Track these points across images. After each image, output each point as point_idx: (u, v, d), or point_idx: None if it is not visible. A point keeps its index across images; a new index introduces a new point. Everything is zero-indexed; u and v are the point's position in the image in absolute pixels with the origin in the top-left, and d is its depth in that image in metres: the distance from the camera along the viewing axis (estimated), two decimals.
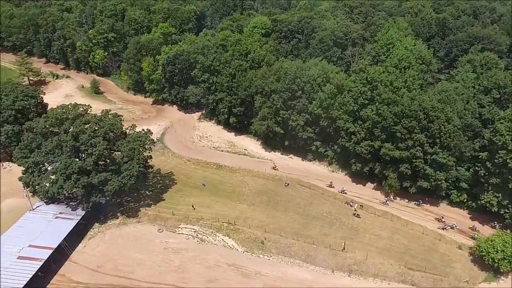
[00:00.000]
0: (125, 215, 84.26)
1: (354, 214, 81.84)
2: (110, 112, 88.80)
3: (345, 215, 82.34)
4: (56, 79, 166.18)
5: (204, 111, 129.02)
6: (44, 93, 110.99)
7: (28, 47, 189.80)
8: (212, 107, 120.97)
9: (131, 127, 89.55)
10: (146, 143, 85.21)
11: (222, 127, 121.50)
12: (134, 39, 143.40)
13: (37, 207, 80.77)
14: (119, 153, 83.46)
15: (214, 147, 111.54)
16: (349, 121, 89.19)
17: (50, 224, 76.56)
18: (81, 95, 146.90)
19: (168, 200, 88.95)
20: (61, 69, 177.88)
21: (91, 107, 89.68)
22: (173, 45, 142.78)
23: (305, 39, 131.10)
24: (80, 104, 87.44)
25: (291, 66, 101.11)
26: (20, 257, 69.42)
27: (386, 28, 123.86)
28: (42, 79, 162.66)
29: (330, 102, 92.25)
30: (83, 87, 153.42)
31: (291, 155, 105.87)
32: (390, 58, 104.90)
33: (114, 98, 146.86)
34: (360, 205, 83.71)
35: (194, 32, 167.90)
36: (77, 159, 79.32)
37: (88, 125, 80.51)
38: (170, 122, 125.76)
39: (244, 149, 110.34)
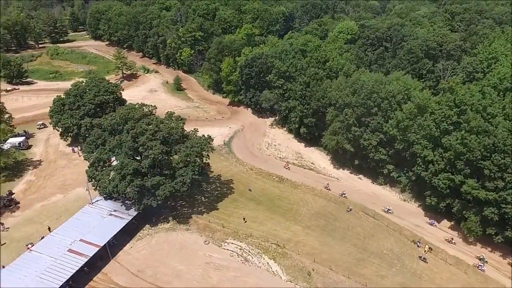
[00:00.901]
0: (176, 220, 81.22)
1: (420, 257, 69.59)
2: (183, 109, 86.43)
3: (409, 256, 70.51)
4: (146, 73, 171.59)
5: (277, 117, 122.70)
6: (123, 89, 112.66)
7: (129, 42, 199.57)
8: (284, 115, 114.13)
9: (193, 131, 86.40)
10: (205, 150, 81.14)
11: (292, 136, 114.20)
12: (217, 39, 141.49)
13: (96, 201, 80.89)
14: (177, 156, 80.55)
15: (280, 157, 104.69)
16: (428, 147, 76.55)
17: (104, 220, 76.00)
18: (164, 91, 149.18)
19: (221, 210, 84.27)
20: (153, 63, 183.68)
21: (156, 107, 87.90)
22: (254, 47, 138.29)
23: (393, 48, 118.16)
24: (146, 105, 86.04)
25: (369, 79, 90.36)
26: (70, 250, 69.43)
27: (490, 39, 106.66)
28: (134, 72, 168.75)
29: (408, 123, 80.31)
30: (167, 82, 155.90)
31: (360, 176, 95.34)
32: (490, 76, 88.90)
33: (194, 95, 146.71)
34: (429, 248, 71.05)
35: (281, 34, 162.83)
36: (136, 160, 77.78)
37: (149, 127, 78.46)
38: (242, 126, 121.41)
39: (311, 163, 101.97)
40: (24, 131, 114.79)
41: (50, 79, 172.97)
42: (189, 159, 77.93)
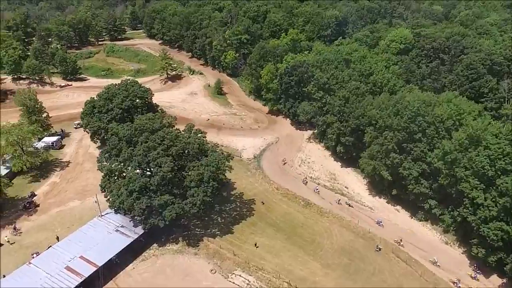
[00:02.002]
0: (186, 241, 73.78)
1: None
2: (219, 116, 79.52)
3: None
4: (191, 74, 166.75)
5: (315, 131, 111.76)
6: (153, 95, 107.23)
7: (180, 42, 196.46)
8: (322, 130, 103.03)
9: (214, 146, 78.63)
10: (221, 170, 72.79)
11: (329, 153, 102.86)
12: (259, 44, 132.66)
13: (106, 214, 75.66)
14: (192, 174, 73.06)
15: (311, 177, 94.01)
16: (479, 188, 62.79)
17: (108, 237, 70.41)
18: (204, 94, 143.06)
19: (236, 235, 75.71)
20: (200, 64, 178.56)
21: (176, 119, 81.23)
22: (298, 54, 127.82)
23: (450, 61, 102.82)
24: (166, 115, 79.57)
25: (415, 98, 77.15)
26: (67, 268, 64.49)
27: None
28: (178, 73, 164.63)
29: (456, 156, 66.68)
30: (209, 86, 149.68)
31: (398, 207, 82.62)
32: None
33: (234, 101, 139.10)
34: None
35: (332, 39, 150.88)
36: (147, 175, 71.27)
37: (164, 141, 71.41)
38: (276, 138, 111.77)
39: (345, 187, 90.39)
40: (61, 130, 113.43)
41: (102, 76, 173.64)
42: (202, 179, 70.06)
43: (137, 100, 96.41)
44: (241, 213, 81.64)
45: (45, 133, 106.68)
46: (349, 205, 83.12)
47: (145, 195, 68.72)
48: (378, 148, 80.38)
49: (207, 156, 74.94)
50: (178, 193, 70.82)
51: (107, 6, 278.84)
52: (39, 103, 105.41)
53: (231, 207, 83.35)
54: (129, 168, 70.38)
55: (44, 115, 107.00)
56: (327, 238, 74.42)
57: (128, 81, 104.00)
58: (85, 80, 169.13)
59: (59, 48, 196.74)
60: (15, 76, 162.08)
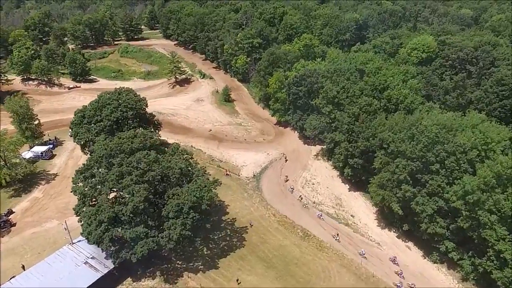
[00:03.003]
0: (164, 276, 64.36)
1: None
2: (223, 126, 69.33)
3: None
4: (202, 78, 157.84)
5: (324, 147, 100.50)
6: (147, 105, 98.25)
7: (195, 43, 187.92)
8: (330, 147, 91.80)
9: (201, 168, 68.99)
10: (205, 198, 62.89)
11: (337, 173, 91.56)
12: (269, 50, 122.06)
13: (78, 241, 67.07)
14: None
15: (314, 202, 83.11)
16: (507, 239, 50.73)
17: (75, 270, 61.67)
18: (211, 101, 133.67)
19: (221, 270, 65.78)
20: (213, 67, 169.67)
21: (160, 137, 71.80)
22: (311, 61, 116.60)
23: (478, 74, 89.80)
24: (150, 133, 70.30)
25: (434, 121, 65.14)
26: None
27: None
28: (188, 77, 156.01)
29: (480, 197, 54.60)
30: (217, 92, 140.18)
31: (409, 243, 70.87)
32: None
33: (241, 109, 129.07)
34: None
35: (351, 43, 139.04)
36: (121, 202, 62.24)
37: (141, 165, 62.19)
38: (281, 153, 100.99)
39: (351, 215, 79.10)
40: (55, 138, 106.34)
41: (112, 78, 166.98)
42: (181, 209, 60.44)
43: (129, 112, 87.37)
44: (230, 243, 71.68)
45: (36, 142, 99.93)
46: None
47: (116, 225, 59.75)
48: (388, 176, 68.74)
49: (191, 181, 65.20)
50: (154, 224, 61.41)
51: (128, 5, 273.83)
52: (30, 110, 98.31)
53: (220, 235, 73.48)
54: (101, 194, 61.41)
55: (36, 122, 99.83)
56: (324, 280, 63.59)
57: (123, 89, 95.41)
58: (95, 81, 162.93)
59: (72, 48, 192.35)
60: (24, 77, 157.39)
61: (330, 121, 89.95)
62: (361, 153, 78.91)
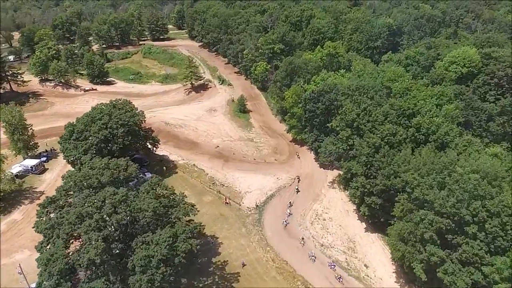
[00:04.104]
0: None
1: None
2: (233, 141, 63.26)
3: None
4: (221, 83, 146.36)
5: (341, 173, 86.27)
6: (145, 120, 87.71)
7: (218, 46, 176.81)
8: (346, 177, 77.66)
9: (187, 207, 57.02)
10: (179, 250, 50.79)
11: (354, 207, 77.26)
12: (287, 59, 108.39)
13: None
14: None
15: (323, 245, 69.32)
16: None
17: None
18: (224, 112, 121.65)
19: None
20: (235, 72, 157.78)
21: (135, 168, 59.99)
22: (334, 73, 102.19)
23: None
24: (123, 162, 58.85)
25: (472, 168, 49.91)
26: None
27: None
28: (205, 83, 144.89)
29: None
30: (233, 101, 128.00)
31: None
32: None
33: (256, 121, 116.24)
34: None
35: (381, 51, 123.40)
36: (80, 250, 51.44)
37: (105, 207, 50.91)
38: (293, 179, 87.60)
39: (365, 265, 64.88)
40: (51, 149, 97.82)
41: (129, 80, 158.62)
42: (150, 262, 48.82)
43: (120, 129, 76.71)
44: None
45: (29, 154, 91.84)
46: None
47: (70, 279, 49.00)
48: (411, 228, 54.21)
49: (170, 224, 53.36)
50: (116, 279, 50.13)
51: (158, 4, 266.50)
52: (23, 121, 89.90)
53: (206, 282, 61.31)
54: (58, 238, 50.80)
55: (29, 133, 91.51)
56: None
57: (118, 101, 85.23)
58: (113, 83, 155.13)
59: (96, 48, 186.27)
60: (42, 78, 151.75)
61: (348, 147, 75.61)
62: (380, 192, 64.50)
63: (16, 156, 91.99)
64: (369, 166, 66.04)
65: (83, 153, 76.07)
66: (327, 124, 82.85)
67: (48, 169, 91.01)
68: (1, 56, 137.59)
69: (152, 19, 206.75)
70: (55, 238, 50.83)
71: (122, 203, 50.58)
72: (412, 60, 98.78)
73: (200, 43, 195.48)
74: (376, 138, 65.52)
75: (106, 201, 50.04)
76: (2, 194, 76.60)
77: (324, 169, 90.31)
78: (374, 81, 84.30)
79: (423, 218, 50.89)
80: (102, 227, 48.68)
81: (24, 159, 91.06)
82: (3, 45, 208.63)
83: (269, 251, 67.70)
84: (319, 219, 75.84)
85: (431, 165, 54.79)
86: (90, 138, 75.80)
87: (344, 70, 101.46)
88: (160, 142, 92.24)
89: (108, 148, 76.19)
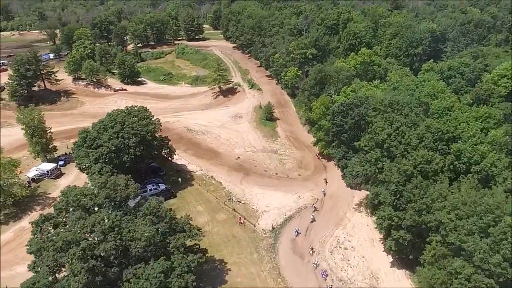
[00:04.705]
0: None
1: None
2: (255, 152, 61.25)
3: None
4: (250, 88, 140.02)
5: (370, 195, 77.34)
6: (161, 129, 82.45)
7: (251, 48, 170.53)
8: (374, 203, 68.85)
9: (180, 238, 50.91)
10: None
11: (380, 236, 68.52)
12: (317, 66, 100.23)
13: None
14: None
15: (341, 279, 61.31)
16: None
17: None
18: (250, 119, 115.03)
19: None
20: (266, 76, 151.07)
21: (136, 187, 54.40)
22: (368, 83, 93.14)
23: None
24: (122, 181, 53.59)
25: None
26: None
27: None
28: (234, 87, 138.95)
29: None
30: (260, 107, 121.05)
31: None
32: None
33: (283, 131, 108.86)
34: None
35: (422, 59, 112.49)
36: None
37: (93, 233, 45.86)
38: (316, 198, 79.82)
39: None
40: (70, 152, 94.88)
41: (160, 81, 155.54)
42: None
43: (131, 139, 71.87)
44: None
45: (46, 158, 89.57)
46: None
47: None
48: (443, 278, 45.37)
49: (165, 256, 47.51)
50: None
51: (195, 3, 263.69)
52: (42, 123, 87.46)
53: None
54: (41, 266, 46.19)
55: (48, 136, 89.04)
56: None
57: (134, 108, 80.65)
58: (143, 84, 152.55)
59: (131, 47, 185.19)
60: (76, 76, 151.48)
61: (377, 170, 66.82)
62: (410, 227, 55.63)
63: (35, 158, 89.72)
64: (398, 196, 57.25)
65: (94, 162, 71.90)
66: (355, 143, 74.07)
67: (64, 173, 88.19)
68: (37, 55, 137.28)
69: (187, 19, 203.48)
70: (41, 263, 46.18)
71: (113, 230, 45.11)
72: (455, 72, 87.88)
73: (234, 44, 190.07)
74: (408, 165, 56.56)
75: (95, 228, 44.75)
76: (13, 199, 73.76)
77: (351, 189, 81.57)
78: (410, 95, 74.78)
79: (459, 272, 41.97)
80: (88, 256, 43.42)
81: (42, 162, 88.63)
82: (48, 42, 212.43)
83: (280, 283, 60.52)
84: (340, 247, 67.74)
85: (472, 205, 45.51)
86: (101, 147, 71.34)
87: (379, 81, 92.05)
88: (175, 152, 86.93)
89: (118, 160, 71.36)
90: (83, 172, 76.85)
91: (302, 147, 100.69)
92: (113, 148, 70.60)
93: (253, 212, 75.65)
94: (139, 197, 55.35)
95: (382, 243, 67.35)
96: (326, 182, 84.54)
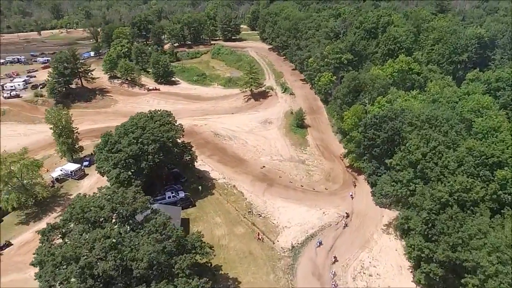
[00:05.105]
0: None
1: None
2: (282, 161, 65.77)
3: None
4: (283, 92, 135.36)
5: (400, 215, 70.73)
6: (183, 134, 79.36)
7: (287, 50, 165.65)
8: (404, 228, 62.44)
9: (185, 259, 47.30)
10: None
11: (410, 265, 62.02)
12: (350, 73, 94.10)
13: None
14: None
15: None
16: None
17: None
18: (279, 125, 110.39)
19: None
20: (300, 80, 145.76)
21: (144, 200, 51.19)
22: (406, 92, 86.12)
23: None
24: (130, 194, 50.68)
25: None
26: None
27: None
28: (266, 90, 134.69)
29: None
30: (291, 113, 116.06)
31: None
32: None
33: (313, 139, 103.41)
34: None
35: (467, 67, 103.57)
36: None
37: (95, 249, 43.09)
38: (343, 215, 73.97)
39: None
40: (92, 153, 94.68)
41: (193, 82, 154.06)
42: None
43: (150, 145, 69.40)
44: None
45: (72, 158, 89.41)
46: None
47: None
48: None
49: (171, 277, 44.18)
50: None
51: (235, 4, 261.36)
52: (70, 124, 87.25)
53: None
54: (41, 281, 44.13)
55: (75, 136, 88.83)
56: None
57: (157, 112, 78.35)
58: (176, 84, 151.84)
59: (169, 47, 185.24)
60: (112, 75, 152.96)
61: (408, 192, 60.46)
62: (441, 263, 49.24)
63: (61, 158, 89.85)
64: (430, 225, 50.94)
65: (112, 166, 70.15)
66: (386, 160, 67.79)
67: (88, 174, 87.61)
68: (76, 53, 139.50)
69: (224, 19, 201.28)
70: (41, 278, 44.17)
71: (114, 248, 42.28)
72: (504, 83, 79.23)
73: (270, 46, 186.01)
74: (444, 191, 50.06)
75: (96, 245, 42.09)
76: (34, 200, 73.61)
77: (380, 207, 75.32)
78: (451, 110, 67.39)
79: None
80: (87, 275, 40.77)
81: (68, 162, 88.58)
82: (91, 40, 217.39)
83: None
84: (364, 273, 61.99)
85: None
86: (120, 152, 69.40)
87: (418, 91, 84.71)
88: (200, 158, 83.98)
89: (137, 166, 69.14)
90: (103, 176, 75.40)
91: (332, 157, 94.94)
92: (132, 154, 68.27)
93: (273, 228, 71.20)
94: (149, 210, 52.28)
95: (411, 272, 60.94)
96: (352, 197, 78.63)
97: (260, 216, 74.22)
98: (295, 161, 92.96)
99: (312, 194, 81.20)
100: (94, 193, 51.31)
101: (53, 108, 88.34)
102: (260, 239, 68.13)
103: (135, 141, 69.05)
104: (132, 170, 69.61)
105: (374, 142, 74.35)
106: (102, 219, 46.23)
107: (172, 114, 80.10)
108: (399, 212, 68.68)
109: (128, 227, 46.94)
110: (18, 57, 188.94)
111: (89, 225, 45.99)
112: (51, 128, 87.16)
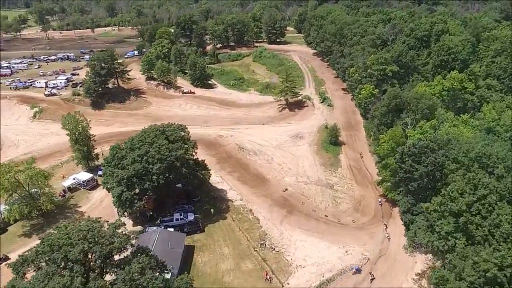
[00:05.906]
0: None
1: None
2: (308, 184, 58.02)
3: None
4: (321, 102, 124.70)
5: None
6: (196, 152, 71.64)
7: (331, 56, 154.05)
8: (437, 286, 50.64)
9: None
10: None
11: None
12: (391, 90, 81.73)
13: None
14: None
15: None
16: None
17: None
18: (310, 141, 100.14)
19: None
20: (342, 89, 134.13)
21: (125, 238, 44.02)
22: (456, 116, 72.93)
23: None
24: (108, 232, 43.79)
25: None
26: None
27: None
28: (303, 100, 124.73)
29: None
30: (326, 127, 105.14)
31: None
32: None
33: (346, 159, 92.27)
34: None
35: None
36: None
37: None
38: (367, 258, 63.23)
39: None
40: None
41: (230, 86, 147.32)
42: None
43: (155, 165, 62.58)
44: None
45: (88, 165, 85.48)
46: None
47: None
48: None
49: None
50: None
51: (282, 5, 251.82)
52: (86, 131, 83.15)
53: None
54: None
55: (90, 144, 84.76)
56: None
57: (171, 125, 71.51)
58: (213, 87, 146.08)
59: (211, 48, 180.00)
60: (149, 76, 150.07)
61: (447, 247, 48.67)
62: None
63: (77, 165, 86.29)
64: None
65: (116, 184, 64.37)
66: (422, 204, 56.04)
67: (100, 185, 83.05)
68: (114, 53, 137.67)
69: (270, 21, 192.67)
70: None
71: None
72: None
73: (314, 51, 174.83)
74: (492, 263, 38.25)
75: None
76: (39, 212, 69.87)
77: (413, 252, 63.35)
78: (510, 144, 54.19)
79: None
80: None
81: (82, 170, 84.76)
82: (139, 38, 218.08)
83: None
84: None
85: None
86: (124, 169, 63.40)
87: (470, 114, 71.21)
88: (219, 174, 76.96)
89: (140, 185, 62.80)
90: (109, 192, 70.01)
91: (365, 182, 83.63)
92: (135, 173, 61.94)
93: (286, 266, 61.96)
94: (133, 247, 45.20)
95: None
96: (389, 239, 67.14)
97: (274, 249, 65.27)
98: (322, 185, 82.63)
99: (336, 227, 70.82)
100: (78, 222, 45.14)
101: (70, 114, 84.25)
102: (268, 279, 59.25)
103: (139, 159, 62.63)
104: (137, 190, 63.16)
105: (411, 175, 62.63)
106: (70, 261, 39.60)
107: (186, 128, 72.72)
108: (434, 259, 57.01)
109: (97, 272, 39.99)
110: (68, 54, 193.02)
111: (56, 267, 39.60)
112: (67, 135, 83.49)
